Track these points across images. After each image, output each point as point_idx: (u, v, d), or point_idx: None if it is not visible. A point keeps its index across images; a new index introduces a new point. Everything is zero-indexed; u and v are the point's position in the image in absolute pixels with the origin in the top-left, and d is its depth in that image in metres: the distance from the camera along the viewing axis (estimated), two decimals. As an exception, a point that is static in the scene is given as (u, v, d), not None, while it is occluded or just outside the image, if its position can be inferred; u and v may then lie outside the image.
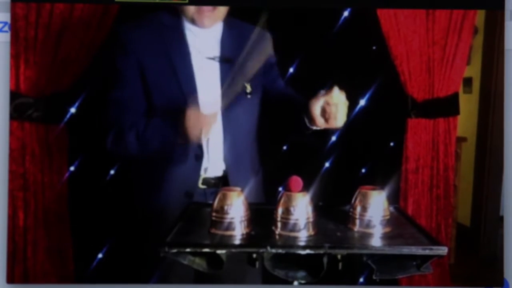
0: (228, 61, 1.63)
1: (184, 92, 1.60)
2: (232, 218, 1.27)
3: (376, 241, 1.26)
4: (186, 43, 1.62)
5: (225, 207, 1.27)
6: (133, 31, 1.62)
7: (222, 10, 1.62)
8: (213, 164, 1.63)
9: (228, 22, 1.66)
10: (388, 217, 1.31)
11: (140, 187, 1.67)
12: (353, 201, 1.32)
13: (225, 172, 1.64)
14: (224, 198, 1.28)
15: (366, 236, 1.28)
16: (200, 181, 1.63)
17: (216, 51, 1.64)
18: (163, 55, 1.61)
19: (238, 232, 1.27)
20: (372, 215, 1.30)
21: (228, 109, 1.62)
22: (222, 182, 1.63)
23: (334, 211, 1.45)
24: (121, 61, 1.61)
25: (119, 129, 1.58)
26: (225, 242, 1.24)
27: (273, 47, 1.72)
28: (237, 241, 1.24)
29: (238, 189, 1.31)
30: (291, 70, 1.97)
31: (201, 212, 1.45)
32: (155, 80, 1.61)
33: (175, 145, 1.54)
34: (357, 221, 1.31)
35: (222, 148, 1.63)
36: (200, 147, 1.60)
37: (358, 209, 1.31)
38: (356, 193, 1.33)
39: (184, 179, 1.62)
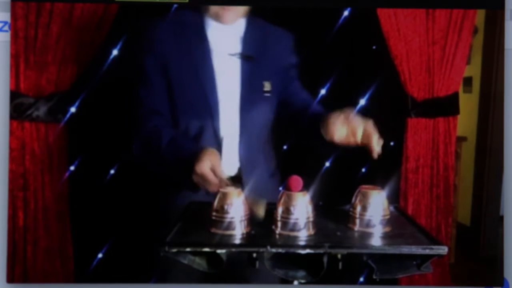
0: (249, 58, 1.62)
1: (204, 89, 1.59)
2: (232, 218, 1.27)
3: (376, 241, 1.26)
4: (207, 40, 1.61)
5: (225, 207, 1.27)
6: (156, 29, 1.61)
7: (245, 7, 1.62)
8: (228, 162, 1.60)
9: (251, 19, 1.65)
10: (388, 216, 1.31)
11: (163, 187, 1.66)
12: (353, 200, 1.33)
13: (239, 171, 1.62)
14: (224, 198, 1.28)
15: (366, 235, 1.28)
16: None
17: (237, 48, 1.63)
18: (185, 53, 1.60)
19: (238, 231, 1.27)
20: (372, 215, 1.30)
21: (246, 107, 1.62)
22: (236, 182, 1.58)
23: (334, 211, 1.45)
24: (146, 59, 1.60)
25: (144, 134, 1.57)
26: (225, 241, 1.24)
27: (294, 47, 1.71)
28: (237, 241, 1.24)
29: (238, 188, 1.31)
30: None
31: (201, 212, 1.45)
32: (177, 79, 1.59)
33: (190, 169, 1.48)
34: (357, 221, 1.31)
35: (238, 146, 1.62)
36: (218, 144, 1.59)
37: (358, 208, 1.31)
38: (356, 192, 1.33)
39: None
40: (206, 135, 1.60)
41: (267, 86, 1.64)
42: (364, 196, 1.31)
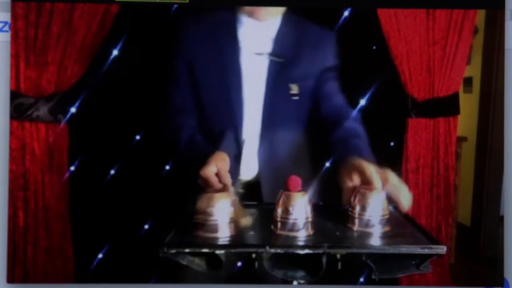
0: (278, 58, 1.57)
1: (229, 89, 1.56)
2: (216, 220, 1.27)
3: (375, 240, 1.26)
4: (237, 39, 1.57)
5: (210, 209, 1.26)
6: (187, 28, 1.59)
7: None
8: (246, 166, 1.59)
9: (287, 17, 1.60)
10: (387, 216, 1.31)
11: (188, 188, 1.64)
12: (352, 200, 1.32)
13: (257, 176, 1.59)
14: (208, 200, 1.27)
15: (365, 235, 1.28)
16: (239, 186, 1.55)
17: (268, 47, 1.58)
18: (213, 52, 1.57)
19: (223, 234, 1.27)
20: (371, 215, 1.30)
21: (269, 110, 1.57)
22: (252, 188, 1.58)
23: (333, 211, 1.45)
24: (175, 58, 1.59)
25: (170, 131, 1.57)
26: (221, 243, 1.23)
27: (335, 49, 1.64)
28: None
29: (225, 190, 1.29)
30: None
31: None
32: (204, 78, 1.57)
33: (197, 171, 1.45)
34: (356, 221, 1.31)
35: (257, 150, 1.59)
36: (238, 146, 1.57)
37: (357, 208, 1.31)
38: (355, 192, 1.33)
39: None
40: (227, 137, 1.57)
41: (294, 89, 1.59)
42: (363, 196, 1.31)
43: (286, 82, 1.58)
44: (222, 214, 1.26)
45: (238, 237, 1.27)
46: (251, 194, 1.60)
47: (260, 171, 1.59)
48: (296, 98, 1.59)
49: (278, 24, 1.60)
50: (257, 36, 1.58)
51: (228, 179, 1.37)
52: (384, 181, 1.31)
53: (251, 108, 1.58)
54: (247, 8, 1.57)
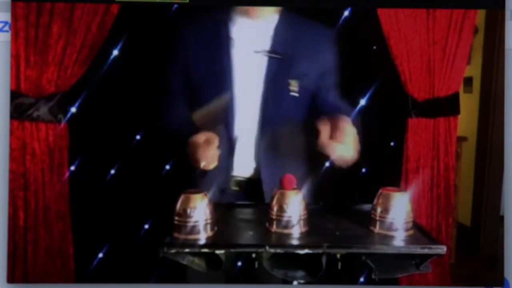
0: (276, 55, 1.57)
1: (221, 87, 1.57)
2: (196, 222, 1.26)
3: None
4: (230, 38, 1.58)
5: (188, 210, 1.26)
6: (183, 29, 1.60)
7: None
8: (244, 163, 1.59)
9: (284, 15, 1.60)
10: (411, 220, 1.29)
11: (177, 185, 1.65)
12: (374, 202, 1.32)
13: (255, 171, 1.59)
14: (187, 201, 1.27)
15: (366, 235, 1.28)
16: (232, 183, 1.58)
17: (266, 45, 1.58)
18: (206, 52, 1.58)
19: (203, 235, 1.27)
20: (394, 217, 1.29)
21: (267, 106, 1.57)
22: (251, 184, 1.58)
23: (333, 211, 1.45)
24: (169, 60, 1.60)
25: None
26: (222, 242, 1.23)
27: (335, 47, 1.64)
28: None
29: (202, 191, 1.30)
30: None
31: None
32: (197, 77, 1.58)
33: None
34: (378, 223, 1.30)
35: (254, 146, 1.60)
36: (231, 143, 1.57)
37: (379, 210, 1.30)
38: (378, 194, 1.32)
39: (216, 176, 1.54)
40: (220, 134, 1.55)
41: (293, 85, 1.58)
42: (386, 198, 1.30)
43: (285, 79, 1.57)
44: (202, 215, 1.26)
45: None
46: (250, 192, 1.60)
47: (258, 167, 1.59)
48: (296, 94, 1.59)
49: (275, 22, 1.60)
50: (253, 35, 1.58)
51: (217, 150, 1.41)
52: (336, 129, 1.32)
53: (246, 105, 1.58)
54: (242, 7, 1.57)
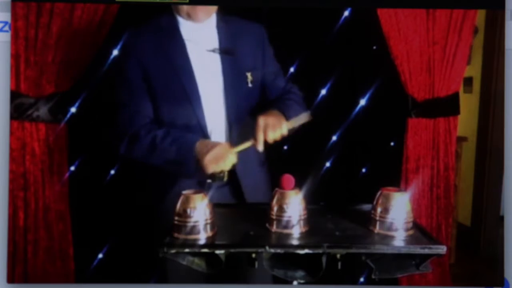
0: (228, 52, 1.64)
1: (184, 87, 1.62)
2: (196, 222, 1.27)
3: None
4: (182, 39, 1.63)
5: (188, 210, 1.26)
6: (134, 35, 1.64)
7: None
8: None
9: (220, 14, 1.67)
10: (411, 220, 1.29)
11: (152, 183, 1.68)
12: (374, 202, 1.32)
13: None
14: (187, 201, 1.27)
15: (365, 235, 1.28)
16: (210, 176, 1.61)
17: (215, 43, 1.65)
18: (163, 55, 1.62)
19: (203, 235, 1.27)
20: (394, 217, 1.28)
21: (231, 99, 1.64)
22: (229, 175, 1.61)
23: (333, 211, 1.45)
24: (126, 66, 1.63)
25: (133, 133, 1.60)
26: (221, 242, 1.23)
27: (268, 40, 1.72)
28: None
29: (202, 192, 1.30)
30: (291, 69, 1.97)
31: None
32: (158, 81, 1.62)
33: (191, 159, 1.54)
34: (377, 223, 1.30)
35: (226, 139, 1.63)
36: (204, 137, 1.61)
37: (379, 210, 1.30)
38: (378, 194, 1.31)
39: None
40: (193, 131, 1.61)
41: (249, 77, 1.67)
42: (386, 198, 1.30)
43: (239, 72, 1.66)
44: (201, 215, 1.26)
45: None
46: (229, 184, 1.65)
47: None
48: (251, 85, 1.68)
49: (215, 21, 1.67)
50: (200, 35, 1.64)
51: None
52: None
53: (211, 100, 1.64)
54: (184, 11, 1.62)
